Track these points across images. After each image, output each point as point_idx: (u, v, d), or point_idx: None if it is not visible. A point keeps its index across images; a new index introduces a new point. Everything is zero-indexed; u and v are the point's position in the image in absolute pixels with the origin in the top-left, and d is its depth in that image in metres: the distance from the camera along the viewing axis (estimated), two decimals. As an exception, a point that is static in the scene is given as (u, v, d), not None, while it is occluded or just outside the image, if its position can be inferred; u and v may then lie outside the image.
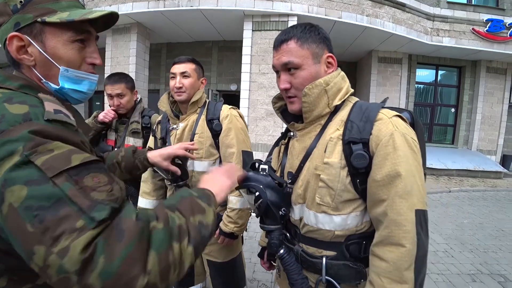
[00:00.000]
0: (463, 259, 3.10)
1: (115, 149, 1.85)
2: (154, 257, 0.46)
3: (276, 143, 1.06)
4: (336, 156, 0.78)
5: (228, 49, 8.71)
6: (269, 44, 6.48)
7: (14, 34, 0.59)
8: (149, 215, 0.51)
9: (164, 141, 1.54)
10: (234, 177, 0.84)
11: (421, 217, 0.70)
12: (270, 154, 1.07)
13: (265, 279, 2.53)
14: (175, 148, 1.14)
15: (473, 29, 7.72)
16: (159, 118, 1.66)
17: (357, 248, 0.81)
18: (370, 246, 0.77)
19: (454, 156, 8.15)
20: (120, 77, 1.88)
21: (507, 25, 7.71)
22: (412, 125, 0.82)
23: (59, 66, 0.63)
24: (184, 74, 1.44)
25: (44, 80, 0.63)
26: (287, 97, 0.88)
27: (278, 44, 0.86)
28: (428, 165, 7.55)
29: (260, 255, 1.19)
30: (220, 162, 1.47)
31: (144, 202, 1.61)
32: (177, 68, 1.45)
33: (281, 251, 0.88)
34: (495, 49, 7.80)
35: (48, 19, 0.59)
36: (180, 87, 1.43)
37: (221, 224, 1.43)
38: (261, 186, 0.87)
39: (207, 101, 1.56)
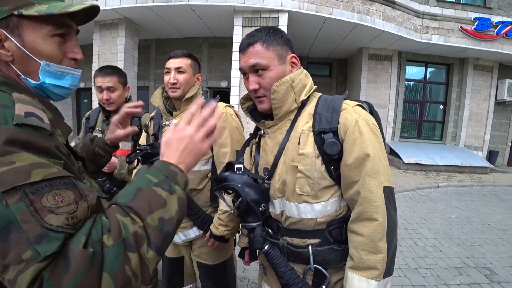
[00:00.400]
0: (450, 253, 3.15)
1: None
2: (108, 279, 0.43)
3: (246, 144, 1.08)
4: (309, 146, 0.84)
5: (218, 46, 8.62)
6: (259, 41, 6.42)
7: None
8: (102, 228, 0.46)
9: (156, 138, 1.47)
10: (211, 126, 0.63)
11: (389, 193, 0.79)
12: (241, 155, 1.04)
13: (255, 277, 2.51)
14: (121, 111, 1.03)
15: (461, 27, 7.84)
16: (152, 114, 1.59)
17: (339, 232, 0.87)
18: None
19: (443, 152, 8.29)
20: (113, 69, 1.74)
21: (494, 24, 7.87)
22: (371, 114, 0.90)
23: (39, 61, 0.59)
24: (179, 70, 1.38)
25: (22, 76, 0.60)
26: (256, 97, 0.92)
27: (244, 47, 0.89)
28: (417, 161, 7.68)
29: (241, 255, 1.19)
30: (213, 161, 1.41)
31: None
32: (172, 63, 1.39)
33: (266, 247, 0.90)
34: (482, 47, 7.94)
35: (25, 12, 0.56)
36: (175, 83, 1.37)
37: (211, 227, 1.37)
38: (239, 185, 0.87)
39: (203, 98, 1.50)
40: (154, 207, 0.52)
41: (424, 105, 9.40)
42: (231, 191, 0.92)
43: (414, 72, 9.33)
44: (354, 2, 6.60)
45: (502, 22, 7.88)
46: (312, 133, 0.85)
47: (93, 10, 0.64)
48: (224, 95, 8.12)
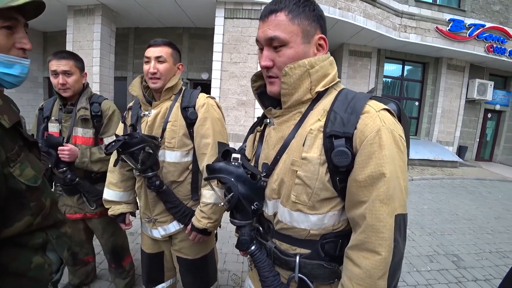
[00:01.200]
0: (422, 241, 3.32)
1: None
2: None
3: (252, 130, 0.97)
4: (315, 150, 0.70)
5: (199, 37, 8.42)
6: (241, 33, 6.35)
7: None
8: None
9: (134, 128, 1.42)
10: None
11: (401, 221, 0.65)
12: (246, 141, 0.98)
13: (236, 269, 2.52)
14: None
15: (437, 27, 8.14)
16: (130, 104, 1.52)
17: (332, 247, 0.76)
18: (346, 244, 0.73)
19: (417, 147, 8.66)
20: (69, 53, 1.64)
21: (467, 26, 8.23)
22: (398, 117, 0.74)
23: None
24: (159, 59, 1.32)
25: None
26: (268, 76, 0.79)
27: (266, 14, 0.74)
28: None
29: (237, 246, 1.12)
30: (194, 153, 1.38)
31: (111, 193, 1.48)
32: (152, 52, 1.33)
33: (252, 247, 0.83)
34: (455, 47, 8.30)
35: None
36: (155, 73, 1.31)
37: (193, 220, 1.34)
38: (232, 179, 0.79)
39: (183, 88, 1.45)
40: None
41: (401, 101, 9.74)
42: (224, 183, 0.83)
43: (392, 69, 9.62)
44: (336, -2, 6.67)
45: (474, 25, 8.27)
46: (322, 134, 0.70)
47: (38, 5, 0.69)
48: (204, 87, 7.96)
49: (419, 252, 3.04)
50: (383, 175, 0.63)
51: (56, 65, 1.59)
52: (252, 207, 0.81)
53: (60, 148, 1.56)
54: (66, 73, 1.61)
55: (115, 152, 1.37)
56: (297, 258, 0.77)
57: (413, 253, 3.01)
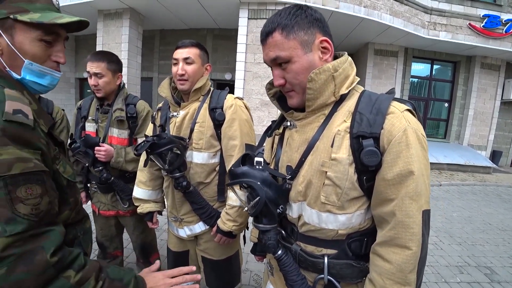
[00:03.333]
0: (451, 251, 3.16)
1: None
2: None
3: (267, 133, 0.98)
4: (344, 151, 0.72)
5: (223, 38, 8.53)
6: (265, 33, 6.35)
7: None
8: (74, 265, 0.61)
9: (163, 129, 1.45)
10: None
11: (426, 217, 0.68)
12: (261, 144, 0.99)
13: (258, 269, 2.53)
14: None
15: (469, 24, 7.71)
16: (160, 105, 1.55)
17: (358, 246, 0.77)
18: (370, 242, 0.75)
19: (446, 151, 8.26)
20: (103, 55, 1.69)
21: (503, 21, 7.72)
22: None
23: (24, 59, 0.68)
24: (187, 61, 1.33)
25: (7, 69, 0.68)
26: (285, 92, 0.82)
27: (263, 37, 0.77)
28: (420, 159, 7.62)
29: (253, 251, 1.12)
30: (221, 154, 1.39)
31: (140, 191, 1.53)
32: (179, 53, 1.34)
33: (279, 252, 0.83)
34: (490, 45, 7.82)
35: (19, 17, 0.65)
36: (183, 74, 1.33)
37: (219, 222, 1.35)
38: (258, 183, 0.78)
39: (211, 89, 1.46)
40: None
41: (429, 102, 9.32)
42: (247, 187, 0.82)
43: (420, 69, 9.23)
44: (361, -4, 6.50)
45: (512, 20, 7.76)
46: (348, 135, 0.72)
47: (81, 24, 0.73)
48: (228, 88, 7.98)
49: (448, 262, 2.90)
50: (412, 173, 0.66)
51: (90, 66, 1.66)
52: (278, 210, 0.82)
53: (96, 148, 1.62)
54: (97, 75, 1.67)
55: (144, 153, 1.41)
56: (326, 258, 0.78)
57: (442, 263, 2.88)
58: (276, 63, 0.77)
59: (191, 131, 1.36)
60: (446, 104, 9.34)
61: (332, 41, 0.78)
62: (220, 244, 1.39)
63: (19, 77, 0.69)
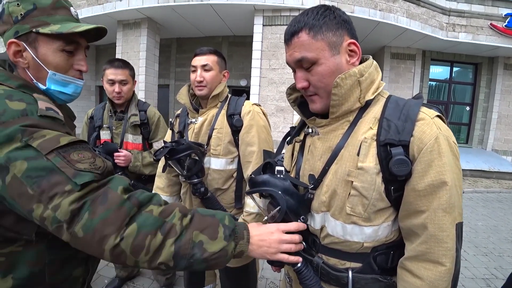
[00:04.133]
0: (477, 262, 3.01)
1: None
2: (133, 230, 0.59)
3: (285, 140, 0.95)
4: (371, 160, 0.68)
5: (238, 44, 8.63)
6: (279, 39, 6.38)
7: (12, 41, 0.69)
8: (154, 200, 0.66)
9: (181, 135, 1.48)
10: (282, 248, 0.74)
11: (459, 230, 0.65)
12: (279, 151, 0.96)
13: (274, 277, 2.51)
14: None
15: (491, 24, 7.43)
16: (178, 111, 1.59)
17: (384, 259, 0.74)
18: (397, 255, 0.72)
19: (468, 156, 7.93)
20: (124, 63, 1.75)
21: (527, 20, 7.40)
22: None
23: (47, 70, 0.72)
24: (205, 68, 1.37)
25: (34, 81, 0.73)
26: (307, 95, 0.79)
27: (288, 37, 0.74)
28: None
29: (270, 261, 1.09)
30: (239, 161, 1.40)
31: None
32: (198, 61, 1.38)
33: (299, 264, 0.79)
34: (514, 45, 7.50)
35: (41, 30, 0.69)
36: (201, 81, 1.36)
37: None
38: (279, 192, 0.76)
39: (229, 95, 1.48)
40: (206, 232, 0.65)
41: (449, 106, 9.02)
42: (266, 196, 0.81)
43: (438, 71, 8.96)
44: (376, 0, 6.42)
45: (537, 19, 7.41)
46: (375, 143, 0.68)
47: (99, 30, 0.77)
48: (243, 94, 8.03)
49: (473, 274, 2.76)
50: (445, 183, 0.62)
51: (114, 74, 1.70)
52: (299, 221, 0.79)
53: (116, 154, 1.68)
54: (122, 82, 1.72)
55: (163, 158, 1.44)
56: (350, 272, 0.74)
57: (466, 275, 2.75)
58: (300, 64, 0.74)
59: (209, 137, 1.38)
60: (468, 108, 9.00)
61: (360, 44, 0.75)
62: None
63: (44, 87, 0.73)
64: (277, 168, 0.82)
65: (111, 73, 1.71)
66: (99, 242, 0.57)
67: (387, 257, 0.74)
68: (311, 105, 0.79)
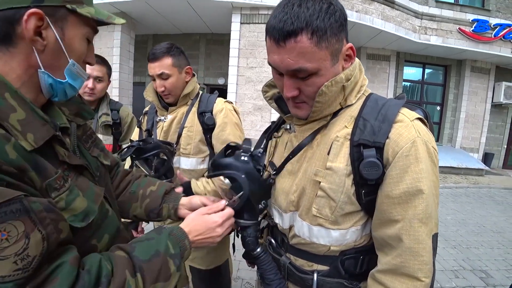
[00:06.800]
0: (446, 255, 3.13)
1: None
2: None
3: (268, 136, 0.89)
4: (341, 160, 0.64)
5: (216, 42, 8.53)
6: (257, 38, 6.36)
7: (37, 11, 0.49)
8: (102, 275, 0.48)
9: (149, 134, 1.40)
10: (226, 230, 0.74)
11: (435, 242, 0.61)
12: (259, 146, 0.88)
13: (250, 277, 2.47)
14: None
15: (459, 28, 7.84)
16: (146, 108, 1.51)
17: (353, 264, 0.69)
18: (367, 261, 0.69)
19: (439, 154, 8.11)
20: (102, 59, 1.63)
21: (492, 26, 7.88)
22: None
23: (69, 59, 0.55)
24: (162, 76, 1.25)
25: (42, 70, 0.53)
26: (295, 102, 0.70)
27: (282, 37, 0.58)
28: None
29: (245, 255, 1.05)
30: (210, 160, 1.34)
31: None
32: (152, 70, 1.25)
33: (258, 249, 0.77)
34: (480, 49, 7.95)
35: (79, 9, 0.54)
36: (163, 90, 1.27)
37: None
38: (243, 176, 0.72)
39: (200, 92, 1.41)
40: (160, 278, 0.56)
41: (422, 106, 9.35)
42: (228, 179, 0.77)
43: (411, 72, 9.33)
44: (353, 1, 6.56)
45: (500, 25, 7.89)
46: (349, 143, 0.64)
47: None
48: (221, 93, 8.02)
49: (443, 267, 2.87)
50: (421, 191, 0.58)
51: (90, 69, 1.55)
52: (260, 206, 0.77)
53: None
54: (97, 78, 1.60)
55: (129, 158, 1.36)
56: (315, 275, 0.71)
57: (437, 267, 2.80)
58: (294, 74, 0.62)
59: (179, 135, 1.31)
60: (438, 108, 9.43)
61: None
62: (207, 252, 1.34)
63: (61, 80, 0.56)
64: (244, 146, 0.79)
65: (88, 68, 1.59)
66: None
67: (356, 262, 0.70)
68: (296, 111, 0.71)
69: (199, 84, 1.44)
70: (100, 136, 1.70)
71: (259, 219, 0.85)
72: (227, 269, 1.50)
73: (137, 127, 1.51)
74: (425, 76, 9.44)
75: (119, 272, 0.50)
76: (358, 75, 0.69)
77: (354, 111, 0.68)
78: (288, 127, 0.79)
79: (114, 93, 6.89)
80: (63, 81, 0.56)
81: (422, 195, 0.58)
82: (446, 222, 4.22)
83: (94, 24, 0.60)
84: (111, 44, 6.96)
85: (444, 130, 9.20)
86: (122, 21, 0.64)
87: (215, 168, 0.77)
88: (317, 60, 0.59)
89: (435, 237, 0.60)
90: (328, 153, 0.66)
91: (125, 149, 1.22)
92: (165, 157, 1.24)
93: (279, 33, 0.58)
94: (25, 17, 0.48)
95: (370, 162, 0.60)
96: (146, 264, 0.54)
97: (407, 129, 0.60)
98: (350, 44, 0.65)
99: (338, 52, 0.62)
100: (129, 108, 1.89)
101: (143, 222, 1.53)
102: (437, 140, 9.43)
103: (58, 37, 0.52)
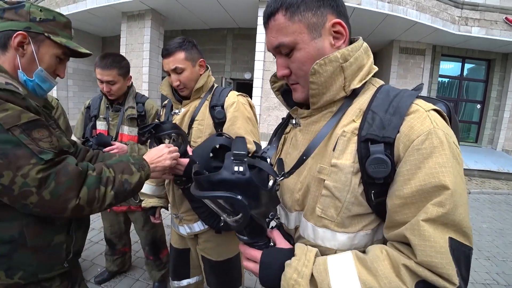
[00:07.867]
0: (478, 266, 2.91)
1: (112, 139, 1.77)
2: (85, 191, 0.78)
3: (276, 133, 0.85)
4: (347, 157, 0.59)
5: (243, 37, 8.51)
6: (283, 32, 6.26)
7: (23, 33, 0.84)
8: (89, 167, 0.84)
9: None
10: (175, 156, 1.10)
11: (468, 257, 0.51)
12: (270, 143, 0.83)
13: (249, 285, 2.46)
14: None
15: (506, 18, 7.11)
16: (165, 102, 1.56)
17: None
18: None
19: (477, 156, 7.70)
20: (113, 61, 1.69)
21: (545, 15, 7.07)
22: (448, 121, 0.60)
23: (39, 66, 0.88)
24: (176, 71, 1.29)
25: (20, 70, 0.86)
26: (290, 84, 0.71)
27: (265, 20, 0.66)
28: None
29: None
30: None
31: (145, 187, 1.50)
32: (166, 65, 1.30)
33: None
34: (530, 41, 7.18)
35: (53, 37, 0.88)
36: (178, 85, 1.31)
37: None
38: (239, 197, 0.57)
39: (215, 85, 1.42)
40: (125, 172, 0.90)
41: (459, 104, 8.75)
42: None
43: (449, 67, 8.68)
44: (386, -8, 6.21)
45: (556, 14, 7.07)
46: (356, 138, 0.59)
47: (85, 55, 0.98)
48: (247, 87, 8.09)
49: (473, 279, 2.67)
50: (444, 187, 0.49)
51: (100, 74, 1.68)
52: (267, 219, 0.66)
53: (107, 148, 1.64)
54: (109, 82, 1.70)
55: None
56: None
57: (466, 279, 2.65)
58: (279, 51, 0.66)
59: (190, 128, 1.34)
60: (479, 106, 8.72)
61: (349, 24, 0.65)
62: (217, 243, 1.38)
63: (30, 79, 0.87)
64: (234, 152, 0.60)
65: (98, 73, 1.69)
66: (63, 203, 0.74)
67: None
68: (294, 94, 0.71)
69: (226, 79, 1.44)
70: (125, 127, 1.82)
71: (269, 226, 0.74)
72: (238, 262, 1.51)
73: (156, 119, 1.58)
74: (465, 72, 8.74)
75: (98, 166, 0.87)
76: (364, 58, 0.65)
77: (363, 103, 0.62)
78: (294, 122, 0.76)
79: (144, 87, 7.17)
80: (31, 79, 0.88)
81: (446, 191, 0.48)
82: (480, 230, 3.91)
83: (65, 50, 0.92)
84: (141, 40, 7.23)
85: (485, 131, 8.49)
86: (86, 51, 0.96)
87: (202, 187, 0.60)
88: (291, 33, 0.62)
89: (467, 250, 0.50)
90: (334, 149, 0.61)
91: (145, 126, 1.25)
92: (180, 141, 1.26)
93: (264, 17, 0.67)
94: (15, 34, 0.83)
95: (376, 159, 0.54)
96: (115, 164, 0.90)
97: (421, 120, 0.53)
98: (336, 20, 0.62)
99: (317, 26, 0.62)
100: (156, 102, 1.99)
101: (160, 209, 1.60)
102: (475, 141, 8.75)
103: (34, 51, 0.86)
